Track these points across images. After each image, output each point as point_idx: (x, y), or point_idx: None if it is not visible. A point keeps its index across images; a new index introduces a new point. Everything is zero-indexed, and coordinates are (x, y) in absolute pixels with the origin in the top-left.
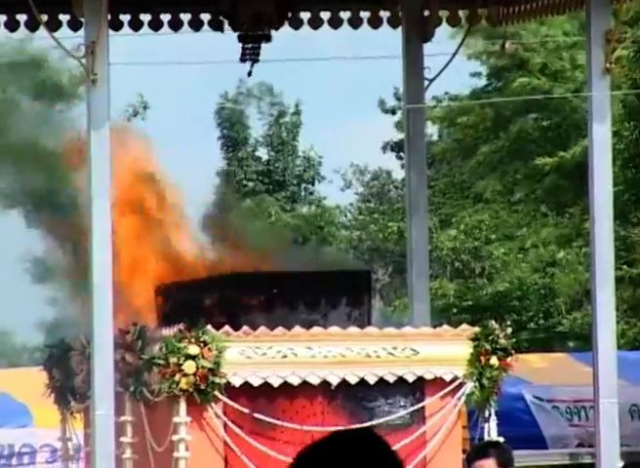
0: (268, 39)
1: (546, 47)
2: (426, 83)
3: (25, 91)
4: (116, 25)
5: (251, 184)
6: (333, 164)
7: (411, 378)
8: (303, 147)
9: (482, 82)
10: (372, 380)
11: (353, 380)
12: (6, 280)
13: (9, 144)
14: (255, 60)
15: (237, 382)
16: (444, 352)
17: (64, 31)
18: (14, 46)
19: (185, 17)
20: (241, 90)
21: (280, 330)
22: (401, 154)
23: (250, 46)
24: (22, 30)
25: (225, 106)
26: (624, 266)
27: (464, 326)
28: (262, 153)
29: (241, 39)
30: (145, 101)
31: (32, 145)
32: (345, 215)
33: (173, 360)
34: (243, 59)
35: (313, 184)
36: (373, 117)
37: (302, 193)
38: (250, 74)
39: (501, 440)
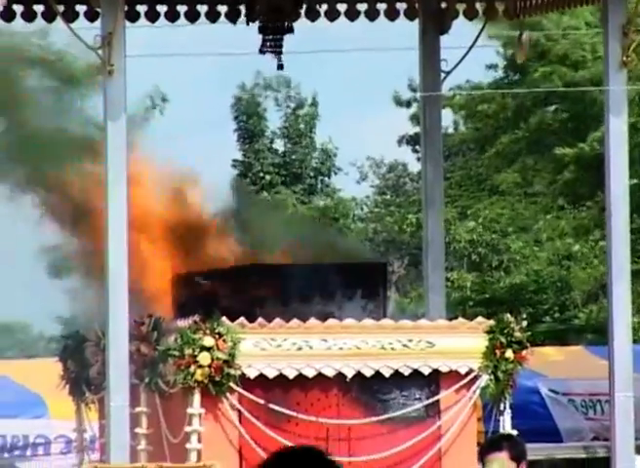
0: (290, 30)
1: (567, 37)
2: (443, 75)
3: (42, 81)
4: (133, 17)
5: (267, 177)
6: (349, 156)
7: (426, 371)
8: (320, 139)
9: (499, 74)
10: (387, 373)
11: (368, 373)
12: (23, 271)
13: (27, 134)
14: (278, 52)
15: (252, 374)
16: (459, 345)
17: (81, 22)
18: (31, 39)
19: (202, 8)
20: (258, 81)
21: (295, 322)
22: (417, 148)
23: (271, 37)
24: (39, 21)
25: (242, 98)
26: None
27: (480, 318)
28: (279, 145)
29: (261, 30)
30: (164, 95)
31: (50, 135)
32: (362, 208)
33: (188, 351)
34: (263, 51)
35: (330, 177)
36: (388, 110)
37: (319, 185)
38: (281, 67)
39: (515, 433)
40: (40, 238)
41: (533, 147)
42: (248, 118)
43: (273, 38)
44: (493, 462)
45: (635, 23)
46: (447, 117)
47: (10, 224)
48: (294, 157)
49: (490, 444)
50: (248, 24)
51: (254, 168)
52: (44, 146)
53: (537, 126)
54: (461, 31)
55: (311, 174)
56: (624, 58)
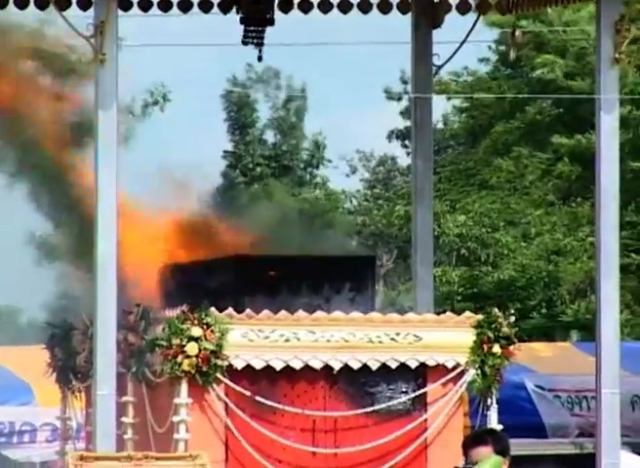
0: (271, 23)
1: (567, 30)
2: (434, 70)
3: (37, 69)
4: (125, 5)
5: (258, 168)
6: (338, 149)
7: (413, 365)
8: (310, 132)
9: (489, 68)
10: (374, 366)
11: (356, 365)
12: (12, 257)
13: (21, 121)
14: (259, 44)
15: (239, 365)
16: (447, 339)
17: (74, 10)
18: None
19: None
20: (250, 74)
21: (283, 313)
22: (406, 142)
23: (252, 29)
24: (32, 9)
25: (233, 90)
26: (633, 254)
27: (468, 313)
28: (269, 137)
29: (243, 21)
30: (165, 92)
31: (42, 122)
32: (350, 201)
33: (175, 341)
34: (245, 42)
35: (318, 168)
36: (379, 104)
37: (308, 177)
38: (260, 59)
39: (500, 428)
40: (30, 225)
41: (528, 137)
42: (239, 109)
43: (254, 29)
44: (477, 457)
45: (629, 20)
46: (440, 105)
47: (1, 211)
48: (284, 148)
49: (474, 438)
50: (225, 14)
51: (244, 159)
52: (37, 133)
53: (533, 116)
54: (454, 25)
55: (301, 165)
56: (616, 56)
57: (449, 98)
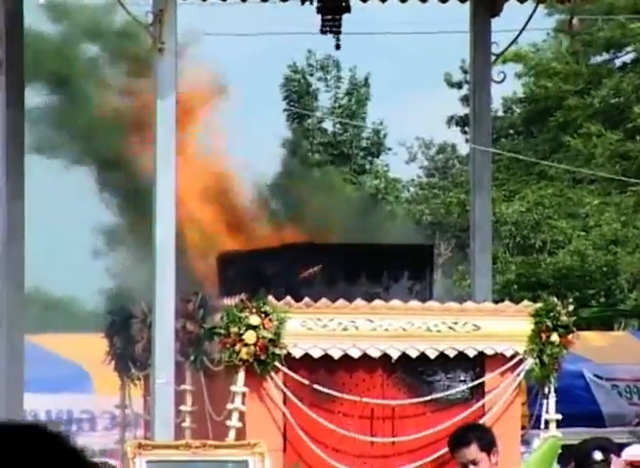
0: (348, 10)
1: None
2: (493, 58)
3: (102, 58)
4: None
5: (317, 156)
6: (398, 137)
7: (471, 353)
8: (371, 119)
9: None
10: (432, 355)
11: (414, 354)
12: (72, 246)
13: (85, 110)
14: (337, 32)
15: (297, 354)
16: (505, 328)
17: None
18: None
19: None
20: (310, 61)
21: (341, 302)
22: (466, 129)
23: (329, 17)
24: None
25: (293, 78)
26: None
27: (526, 302)
28: (328, 125)
29: (319, 10)
30: (226, 83)
31: (107, 111)
32: (408, 190)
33: (233, 329)
34: (323, 31)
35: (379, 157)
36: (439, 91)
37: (368, 166)
38: (338, 47)
39: (558, 417)
40: (90, 213)
41: (601, 115)
42: (299, 97)
43: (332, 18)
44: (464, 458)
45: None
46: (512, 75)
47: (62, 199)
48: (343, 137)
49: (457, 438)
50: (303, 4)
51: (303, 147)
52: (99, 121)
53: (609, 92)
54: (513, 13)
55: (361, 154)
56: None
57: (527, 65)
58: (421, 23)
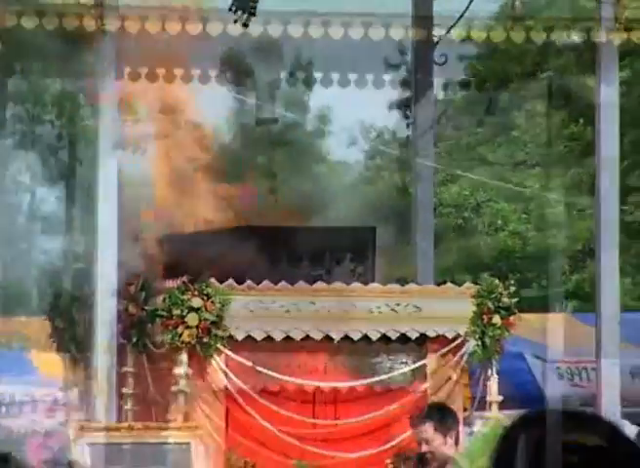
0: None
1: None
2: (435, 40)
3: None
4: None
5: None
6: (340, 121)
7: (413, 335)
8: (315, 104)
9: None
10: (374, 337)
11: (356, 336)
12: (15, 230)
13: (31, 88)
14: (251, 14)
15: (240, 336)
16: (447, 309)
17: None
18: None
19: None
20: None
21: (284, 284)
22: (407, 112)
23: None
24: None
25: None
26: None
27: (468, 284)
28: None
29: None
30: None
31: (50, 90)
32: (351, 172)
33: (176, 312)
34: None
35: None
36: (378, 74)
37: (311, 150)
38: (246, 26)
39: (500, 399)
40: (33, 197)
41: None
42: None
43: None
44: (421, 435)
45: None
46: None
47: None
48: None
49: (416, 417)
50: None
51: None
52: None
53: (555, 73)
54: None
55: (304, 138)
56: (617, 26)
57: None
58: (364, 4)
